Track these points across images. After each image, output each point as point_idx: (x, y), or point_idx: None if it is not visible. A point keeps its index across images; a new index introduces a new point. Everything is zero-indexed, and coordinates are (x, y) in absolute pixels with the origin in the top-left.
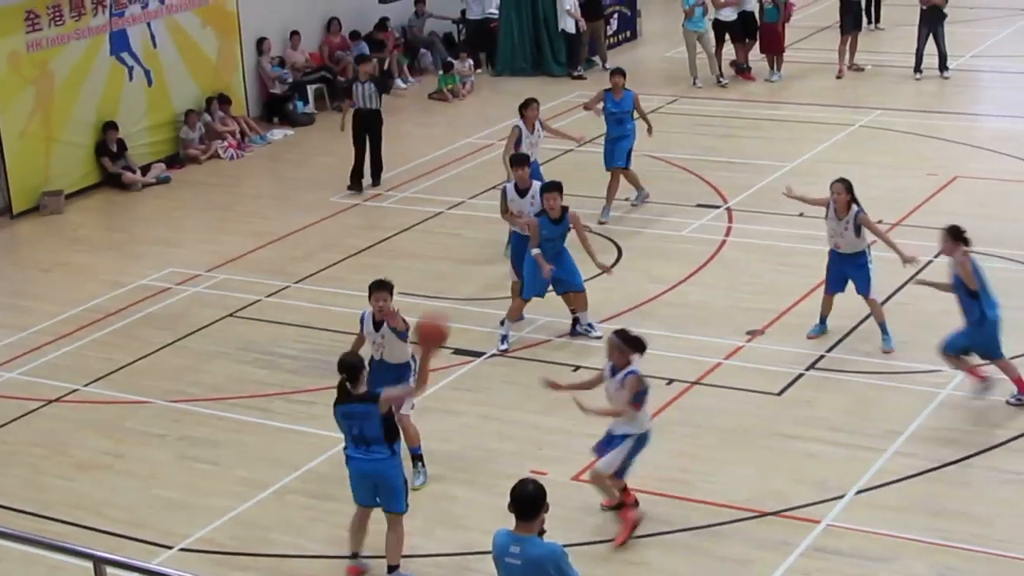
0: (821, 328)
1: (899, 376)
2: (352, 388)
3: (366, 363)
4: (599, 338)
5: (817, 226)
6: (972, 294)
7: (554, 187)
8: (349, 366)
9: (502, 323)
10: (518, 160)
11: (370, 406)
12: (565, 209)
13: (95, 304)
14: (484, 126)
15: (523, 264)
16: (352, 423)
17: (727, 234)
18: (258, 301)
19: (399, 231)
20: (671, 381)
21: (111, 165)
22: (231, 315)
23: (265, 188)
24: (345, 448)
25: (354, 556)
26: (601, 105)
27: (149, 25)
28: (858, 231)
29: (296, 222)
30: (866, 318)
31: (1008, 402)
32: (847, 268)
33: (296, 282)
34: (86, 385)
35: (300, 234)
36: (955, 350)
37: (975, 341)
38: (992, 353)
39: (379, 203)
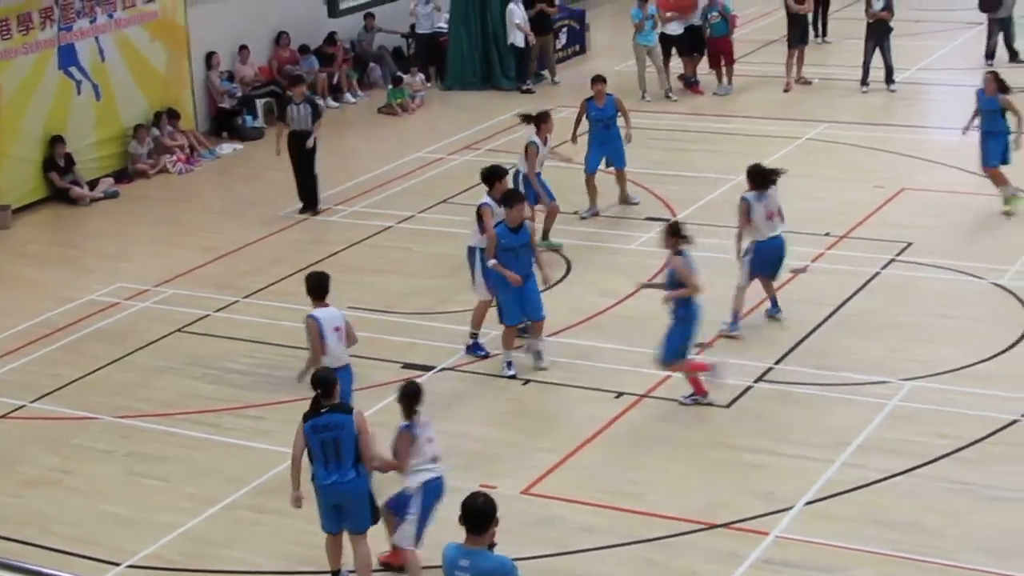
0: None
1: (847, 387)
2: (325, 400)
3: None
4: (512, 377)
5: None
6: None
7: (516, 199)
8: (323, 380)
9: (509, 364)
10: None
11: (345, 416)
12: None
13: (43, 319)
14: (433, 140)
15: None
16: (326, 435)
17: None
18: (207, 316)
19: (348, 245)
20: (620, 394)
21: (59, 180)
22: (180, 330)
23: (214, 203)
24: (313, 475)
25: (335, 574)
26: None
27: (98, 39)
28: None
29: (246, 236)
30: (813, 331)
31: (680, 401)
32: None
33: (245, 297)
34: (33, 401)
35: (249, 249)
36: (676, 355)
37: (683, 336)
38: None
39: (328, 217)
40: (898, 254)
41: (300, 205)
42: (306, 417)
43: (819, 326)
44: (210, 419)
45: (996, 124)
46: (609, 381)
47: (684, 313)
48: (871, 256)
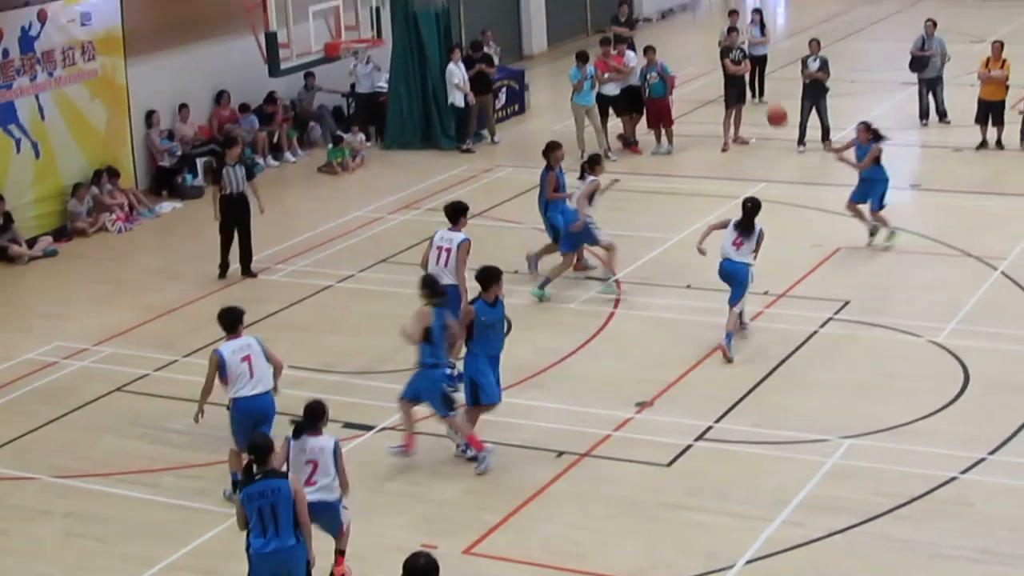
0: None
1: (786, 446)
2: (259, 467)
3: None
4: (472, 459)
5: (704, 298)
6: (428, 339)
7: (493, 277)
8: (257, 446)
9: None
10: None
11: (281, 481)
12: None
13: None
14: (373, 199)
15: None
16: (262, 502)
17: (616, 306)
18: (147, 375)
19: (288, 305)
20: (561, 453)
21: None
22: (119, 389)
23: (153, 261)
24: (248, 545)
25: None
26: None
27: (37, 97)
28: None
29: (185, 296)
30: (752, 389)
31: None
32: None
33: (185, 356)
34: None
35: (189, 308)
36: (411, 395)
37: (421, 387)
38: (437, 408)
39: (268, 276)
40: (836, 312)
41: (222, 269)
42: (239, 485)
43: (758, 384)
44: (149, 479)
45: (874, 171)
46: (550, 440)
47: (427, 363)
48: (809, 315)
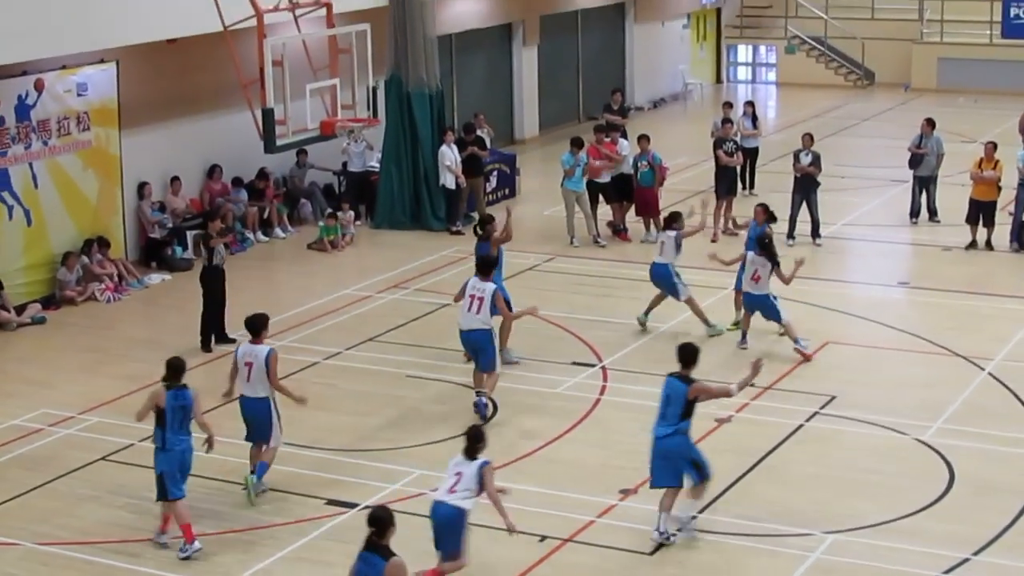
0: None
1: (770, 539)
2: (379, 540)
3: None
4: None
5: None
6: (161, 423)
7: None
8: (378, 519)
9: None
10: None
11: (380, 560)
12: None
13: None
14: (362, 278)
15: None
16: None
17: (601, 392)
18: (131, 445)
19: None
20: (544, 538)
21: None
22: (103, 458)
23: (141, 332)
24: None
25: None
26: None
27: (31, 165)
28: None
29: None
30: (736, 481)
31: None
32: None
33: None
34: None
35: None
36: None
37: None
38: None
39: None
40: (822, 407)
41: (205, 341)
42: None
43: (743, 476)
44: (131, 549)
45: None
46: (532, 524)
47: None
48: (795, 408)
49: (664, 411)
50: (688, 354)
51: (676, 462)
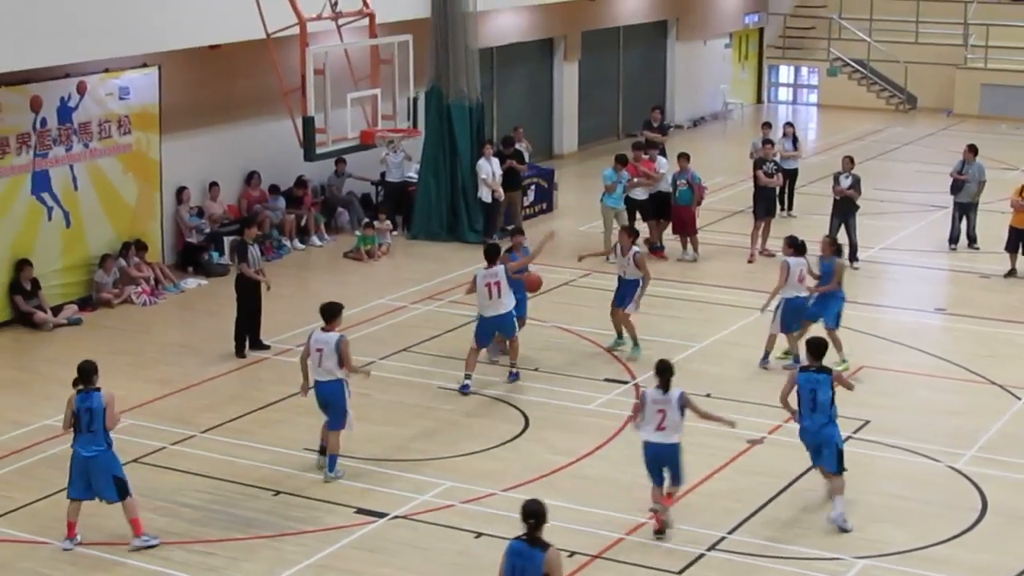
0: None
1: (799, 561)
2: (534, 533)
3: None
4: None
5: (724, 407)
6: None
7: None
8: (532, 512)
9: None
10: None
11: (538, 552)
12: None
13: None
14: (397, 288)
15: None
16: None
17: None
18: (163, 448)
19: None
20: (572, 554)
21: (23, 304)
22: (135, 461)
23: (175, 336)
24: None
25: None
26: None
27: (72, 167)
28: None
29: (204, 372)
30: (767, 503)
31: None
32: None
33: (202, 432)
34: None
35: (208, 384)
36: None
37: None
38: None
39: (290, 358)
40: (855, 431)
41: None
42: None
43: (774, 498)
44: (160, 552)
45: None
46: (561, 540)
47: None
48: None
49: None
50: (818, 348)
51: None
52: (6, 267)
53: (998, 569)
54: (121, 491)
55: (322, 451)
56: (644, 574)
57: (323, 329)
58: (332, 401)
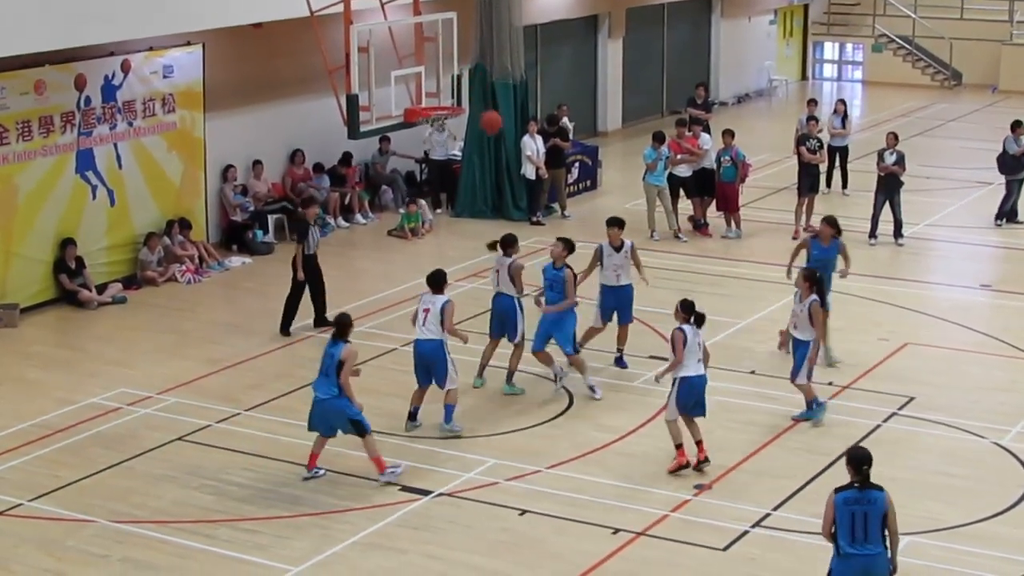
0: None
1: None
2: (857, 477)
3: None
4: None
5: (768, 384)
6: None
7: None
8: (867, 457)
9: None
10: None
11: (878, 494)
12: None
13: (43, 420)
14: (441, 266)
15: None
16: (858, 508)
17: None
18: (208, 426)
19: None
20: (617, 531)
21: (68, 282)
22: (180, 439)
23: (220, 315)
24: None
25: None
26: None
27: (116, 146)
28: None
29: (250, 350)
30: (811, 480)
31: None
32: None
33: (247, 410)
34: (31, 500)
35: (253, 362)
36: None
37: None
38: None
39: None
40: (900, 408)
41: (286, 326)
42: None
43: (818, 475)
44: (205, 529)
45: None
46: (606, 517)
47: None
48: (873, 408)
49: None
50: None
51: None
52: (51, 246)
53: None
54: (359, 430)
55: (411, 416)
56: (689, 551)
57: (433, 293)
58: (434, 359)
